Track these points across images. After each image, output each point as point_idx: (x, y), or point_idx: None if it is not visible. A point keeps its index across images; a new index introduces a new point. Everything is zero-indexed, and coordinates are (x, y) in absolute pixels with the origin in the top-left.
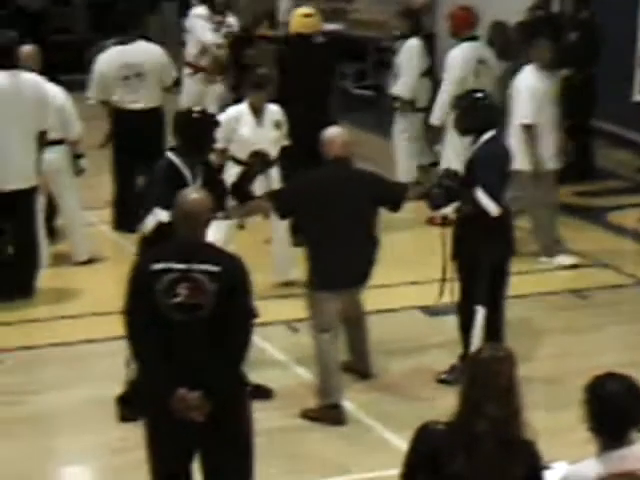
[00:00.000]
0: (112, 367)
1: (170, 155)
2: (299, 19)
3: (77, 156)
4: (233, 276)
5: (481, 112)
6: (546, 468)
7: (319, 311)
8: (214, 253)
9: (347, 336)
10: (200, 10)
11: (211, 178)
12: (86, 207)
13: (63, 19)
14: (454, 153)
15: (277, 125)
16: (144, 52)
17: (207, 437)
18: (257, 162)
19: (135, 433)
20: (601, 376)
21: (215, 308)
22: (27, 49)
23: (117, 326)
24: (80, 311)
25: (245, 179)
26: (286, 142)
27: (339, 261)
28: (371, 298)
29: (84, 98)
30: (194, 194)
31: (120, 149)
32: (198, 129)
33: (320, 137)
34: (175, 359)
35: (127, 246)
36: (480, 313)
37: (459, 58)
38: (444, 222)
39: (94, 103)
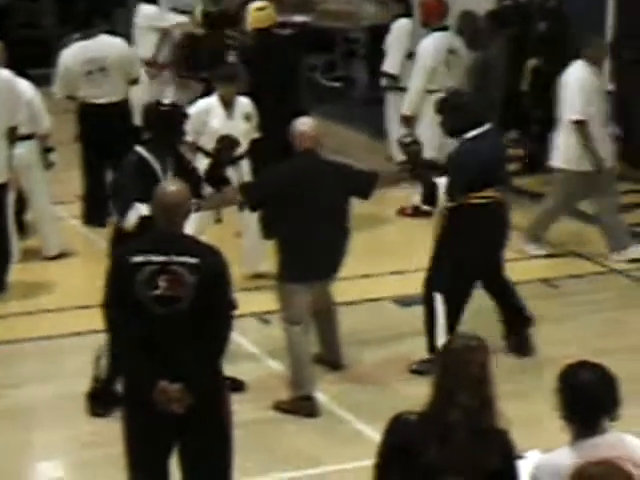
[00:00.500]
0: (84, 362)
1: (139, 149)
2: (254, 14)
3: (47, 150)
4: (212, 268)
5: (465, 112)
6: (519, 457)
7: (290, 303)
8: (193, 245)
9: (318, 328)
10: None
11: (183, 168)
12: (56, 201)
13: (30, 14)
14: (427, 142)
15: (247, 117)
16: (107, 46)
17: (187, 430)
18: (225, 145)
19: (107, 428)
20: (573, 365)
21: (194, 301)
22: None
23: (88, 320)
24: (51, 305)
25: (216, 164)
26: (256, 135)
27: (310, 253)
28: (342, 289)
29: (52, 93)
30: (172, 186)
31: (87, 144)
32: (167, 122)
33: (290, 129)
34: (156, 352)
35: (97, 240)
36: (438, 300)
37: (430, 48)
38: (414, 213)
39: (61, 97)
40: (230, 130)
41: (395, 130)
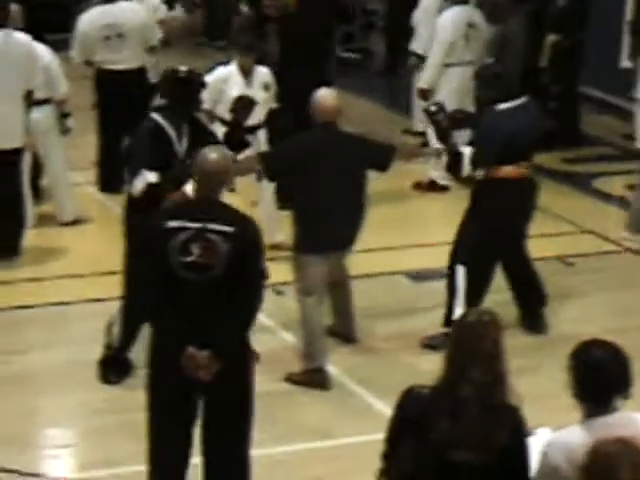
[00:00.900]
0: (96, 329)
1: (155, 116)
2: None
3: (64, 115)
4: (246, 237)
5: (503, 82)
6: (530, 434)
7: (305, 274)
8: (229, 213)
9: (331, 300)
10: None
11: (200, 136)
12: (72, 167)
13: None
14: None
15: (266, 87)
16: (126, 12)
17: (211, 396)
18: (242, 105)
19: (119, 395)
20: (586, 342)
21: (227, 269)
22: (11, 8)
23: (101, 287)
24: (65, 272)
25: (234, 125)
26: (274, 104)
27: (327, 224)
28: (356, 262)
29: (71, 58)
30: (214, 153)
31: (104, 110)
32: (184, 89)
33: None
34: (185, 317)
35: (113, 207)
36: (460, 272)
37: (449, 21)
38: (430, 187)
39: (79, 62)
40: None
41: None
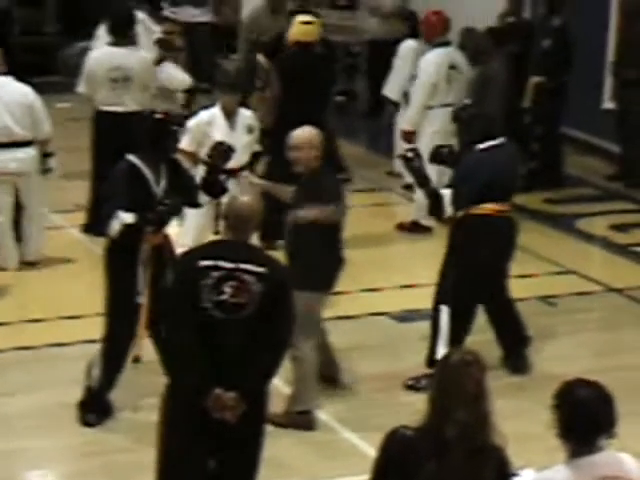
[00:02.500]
0: (81, 371)
1: (131, 157)
2: (298, 26)
3: (46, 155)
4: (278, 278)
5: (480, 123)
6: (513, 475)
7: (312, 314)
8: (260, 255)
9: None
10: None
11: (179, 177)
12: (56, 210)
13: (31, 20)
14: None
15: (249, 130)
16: (134, 56)
17: (231, 436)
18: (219, 151)
19: (101, 438)
20: (570, 382)
21: (258, 309)
22: None
23: (88, 329)
24: (51, 314)
25: (210, 171)
26: (258, 147)
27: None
28: (340, 303)
29: (56, 100)
30: (246, 198)
31: (100, 150)
32: (160, 130)
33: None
34: (213, 358)
35: (98, 250)
36: (444, 313)
37: (432, 63)
38: (413, 228)
39: (86, 94)
40: (232, 142)
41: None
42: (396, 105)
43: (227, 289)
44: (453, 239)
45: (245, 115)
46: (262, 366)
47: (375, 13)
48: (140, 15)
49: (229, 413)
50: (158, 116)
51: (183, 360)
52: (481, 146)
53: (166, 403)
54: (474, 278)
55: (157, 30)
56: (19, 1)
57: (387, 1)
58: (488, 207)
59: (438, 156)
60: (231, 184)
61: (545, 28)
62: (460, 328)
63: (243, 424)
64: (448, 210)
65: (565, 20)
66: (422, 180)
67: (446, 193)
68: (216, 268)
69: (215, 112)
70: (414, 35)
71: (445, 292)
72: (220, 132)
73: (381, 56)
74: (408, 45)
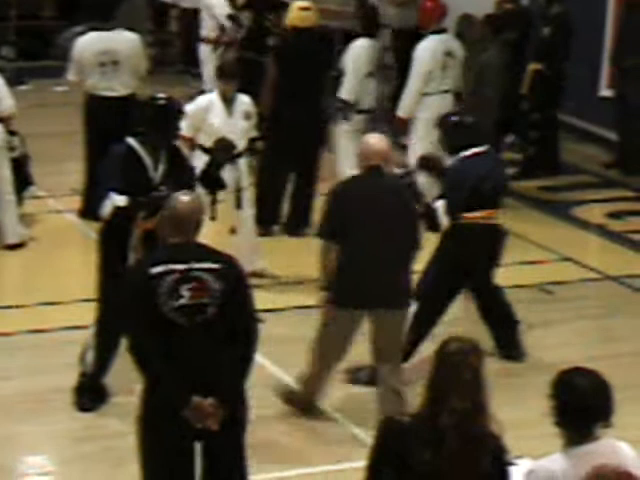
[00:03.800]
0: (75, 356)
1: (130, 140)
2: (296, 12)
3: (10, 133)
4: (235, 273)
5: (464, 130)
6: (511, 463)
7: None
8: (212, 251)
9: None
10: None
11: (179, 164)
12: (52, 194)
13: (29, 4)
14: (421, 147)
15: (247, 116)
16: (122, 40)
17: (214, 441)
18: (221, 148)
19: (96, 422)
20: (567, 370)
21: (220, 307)
22: None
23: (81, 314)
24: (43, 299)
25: (211, 165)
26: (255, 133)
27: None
28: None
29: (52, 84)
30: (183, 198)
31: (92, 135)
32: (161, 116)
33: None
34: (183, 365)
35: (93, 234)
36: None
37: (427, 51)
38: None
39: (75, 81)
40: (229, 128)
41: (343, 155)
42: (350, 105)
43: (185, 292)
44: (440, 244)
45: (243, 101)
46: (235, 366)
47: (393, 1)
48: None
49: (210, 420)
50: (159, 102)
51: (152, 374)
52: (465, 153)
53: (143, 415)
54: (450, 277)
55: None
56: None
57: None
58: (476, 214)
59: (424, 164)
60: (229, 170)
61: (545, 15)
62: (427, 323)
63: (225, 426)
64: (444, 221)
65: (566, 8)
66: (416, 197)
67: (439, 205)
68: (169, 272)
69: (213, 98)
70: (368, 35)
71: (420, 288)
72: (218, 118)
73: (402, 45)
74: (359, 44)
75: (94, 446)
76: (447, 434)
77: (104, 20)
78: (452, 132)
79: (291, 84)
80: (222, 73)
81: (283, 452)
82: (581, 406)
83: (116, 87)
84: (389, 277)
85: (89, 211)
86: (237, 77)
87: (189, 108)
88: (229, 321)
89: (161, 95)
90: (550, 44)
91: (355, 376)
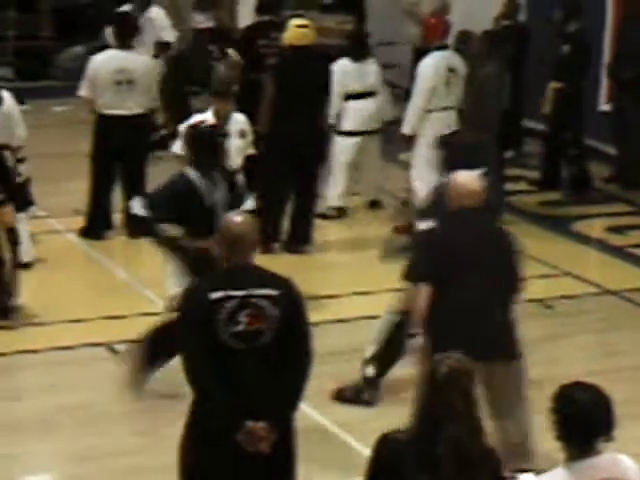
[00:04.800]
0: (85, 375)
1: (187, 170)
2: (293, 30)
3: (18, 160)
4: (293, 298)
5: (462, 151)
6: (512, 479)
7: None
8: (270, 276)
9: None
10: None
11: (235, 187)
12: (54, 214)
13: (27, 25)
14: (424, 164)
15: (242, 134)
16: (137, 60)
17: (265, 464)
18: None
19: (103, 442)
20: (568, 385)
21: (277, 333)
22: None
23: (89, 333)
24: (56, 318)
25: None
26: (251, 151)
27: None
28: (338, 307)
29: (51, 104)
30: (238, 218)
31: (101, 154)
32: (208, 142)
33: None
34: (238, 390)
35: (93, 254)
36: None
37: (430, 67)
38: (409, 230)
39: (87, 97)
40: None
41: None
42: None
43: (243, 318)
44: None
45: (238, 119)
46: (288, 391)
47: (412, 17)
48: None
49: (263, 444)
50: (202, 130)
51: (207, 397)
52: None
53: (192, 438)
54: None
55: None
56: (15, 6)
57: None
58: None
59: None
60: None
61: (562, 33)
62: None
63: (274, 452)
64: None
65: (582, 25)
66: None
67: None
68: (228, 299)
69: (207, 117)
70: (351, 55)
71: None
72: None
73: None
74: (341, 65)
75: (97, 465)
76: (443, 460)
77: (123, 40)
78: (450, 153)
79: (289, 102)
80: (216, 92)
81: None
82: (582, 420)
83: (130, 106)
84: (497, 325)
85: (90, 231)
86: (231, 96)
87: (183, 127)
88: (284, 345)
89: (202, 123)
90: (570, 62)
91: (341, 395)
